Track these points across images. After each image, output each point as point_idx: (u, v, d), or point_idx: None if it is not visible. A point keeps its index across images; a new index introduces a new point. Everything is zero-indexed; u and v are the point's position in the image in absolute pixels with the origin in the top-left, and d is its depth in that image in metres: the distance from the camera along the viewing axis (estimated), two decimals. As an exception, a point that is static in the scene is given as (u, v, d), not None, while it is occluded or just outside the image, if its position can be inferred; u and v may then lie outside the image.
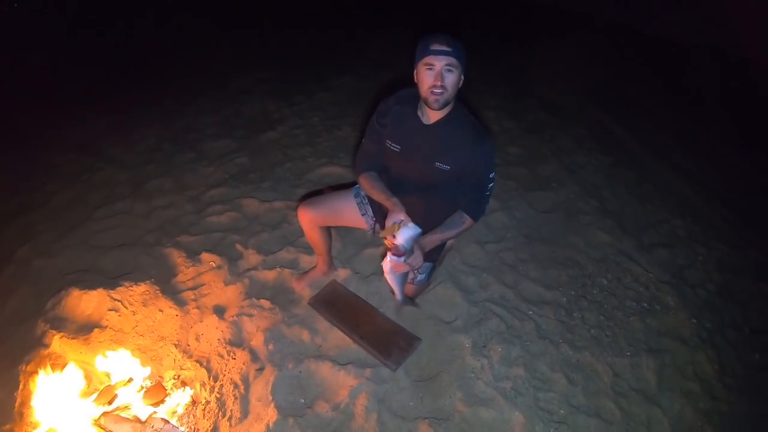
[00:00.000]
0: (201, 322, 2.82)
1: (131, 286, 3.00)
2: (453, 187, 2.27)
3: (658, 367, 2.67)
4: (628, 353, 2.74)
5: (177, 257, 3.26)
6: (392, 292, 2.41)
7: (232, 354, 2.63)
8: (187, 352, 2.70)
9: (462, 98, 2.22)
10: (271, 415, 2.28)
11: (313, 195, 2.67)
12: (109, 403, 2.40)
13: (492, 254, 3.30)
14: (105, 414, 2.29)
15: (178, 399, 2.50)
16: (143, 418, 2.29)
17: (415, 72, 2.09)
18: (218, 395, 2.45)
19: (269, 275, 3.09)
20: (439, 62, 1.97)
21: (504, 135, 4.85)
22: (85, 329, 2.78)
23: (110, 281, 3.04)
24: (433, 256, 2.56)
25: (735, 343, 2.97)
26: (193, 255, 3.27)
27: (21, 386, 2.44)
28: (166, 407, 2.45)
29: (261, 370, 2.52)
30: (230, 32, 7.92)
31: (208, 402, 2.45)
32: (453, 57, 1.96)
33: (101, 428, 2.25)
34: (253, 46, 7.32)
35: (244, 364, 2.56)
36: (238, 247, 3.31)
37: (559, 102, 5.70)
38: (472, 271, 3.15)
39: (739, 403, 2.64)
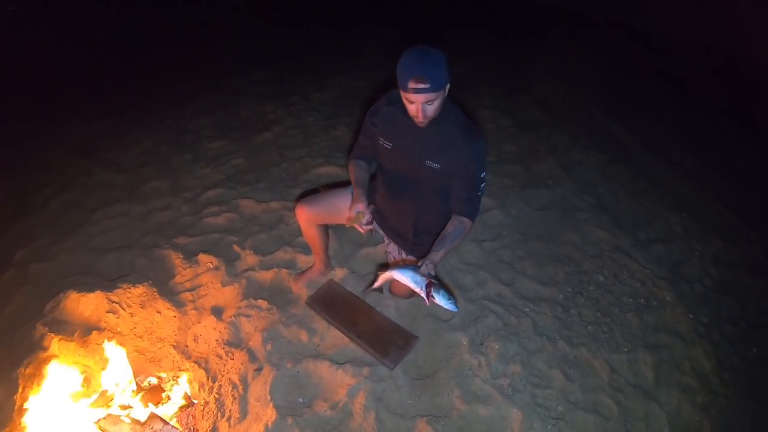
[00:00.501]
0: (199, 323, 2.83)
1: (129, 288, 3.01)
2: (444, 186, 2.27)
3: (655, 362, 2.68)
4: (625, 349, 2.74)
5: (174, 259, 3.26)
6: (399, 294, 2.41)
7: (230, 354, 2.64)
8: (185, 353, 2.71)
9: (457, 96, 2.22)
10: (269, 414, 2.28)
11: (309, 194, 2.67)
12: (108, 404, 2.40)
13: (488, 252, 3.30)
14: (104, 416, 2.29)
15: (177, 400, 2.51)
16: (142, 420, 2.30)
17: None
18: (217, 396, 2.46)
19: (266, 275, 3.09)
20: (418, 99, 1.93)
21: (500, 133, 4.86)
22: (83, 331, 2.78)
23: (108, 283, 3.04)
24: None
25: (732, 337, 2.98)
26: (190, 256, 3.27)
27: (20, 389, 2.45)
28: (165, 408, 2.46)
29: (259, 370, 2.52)
30: (225, 34, 7.91)
31: (206, 402, 2.46)
32: (431, 92, 1.91)
33: (101, 430, 2.26)
34: (248, 47, 7.31)
35: (242, 364, 2.57)
36: (236, 247, 3.31)
37: (554, 100, 5.71)
38: (469, 269, 3.15)
39: (737, 397, 2.65)
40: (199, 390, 2.54)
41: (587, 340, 2.77)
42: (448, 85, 1.98)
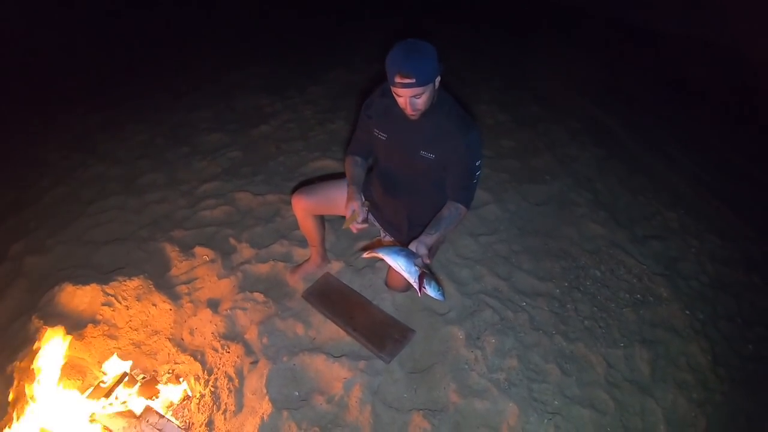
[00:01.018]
0: (195, 316, 2.82)
1: (125, 280, 2.99)
2: (439, 177, 2.27)
3: (651, 358, 2.69)
4: (622, 344, 2.75)
5: (170, 251, 3.25)
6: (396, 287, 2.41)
7: (226, 347, 2.63)
8: (181, 346, 2.70)
9: (454, 91, 2.21)
10: (265, 408, 2.28)
11: (306, 185, 2.66)
12: (104, 397, 2.39)
13: (485, 246, 3.30)
14: (99, 409, 2.29)
15: (173, 393, 2.50)
16: (138, 413, 2.29)
17: None
18: (213, 389, 2.45)
19: (263, 268, 3.09)
20: (405, 93, 1.94)
21: (497, 128, 4.84)
22: (78, 324, 2.77)
23: (104, 276, 3.03)
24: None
25: (728, 334, 2.99)
26: (186, 249, 3.26)
27: (15, 382, 2.43)
28: (161, 401, 2.46)
29: (255, 363, 2.52)
30: (222, 27, 7.87)
31: (202, 395, 2.45)
32: (417, 86, 1.91)
33: (96, 423, 2.25)
34: (245, 40, 7.28)
35: (238, 357, 2.56)
36: (232, 240, 3.30)
37: (552, 95, 5.70)
38: (466, 263, 3.15)
39: (733, 393, 2.67)
40: (194, 383, 2.53)
41: (584, 335, 2.77)
42: (439, 78, 1.98)
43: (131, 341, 2.75)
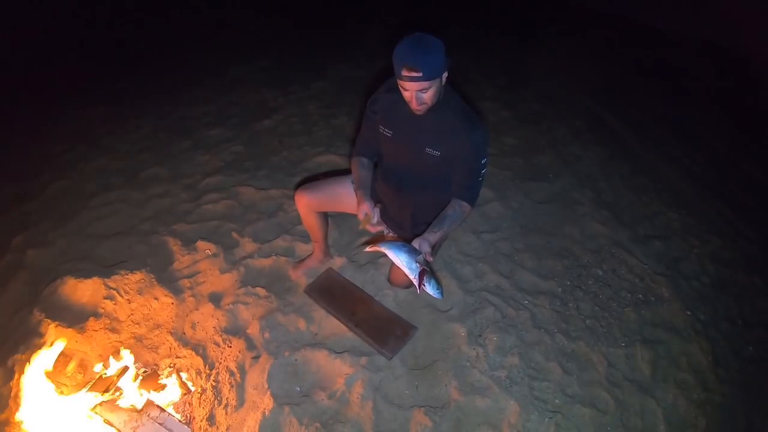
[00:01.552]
0: (197, 310, 2.82)
1: (127, 274, 2.99)
2: (444, 174, 2.27)
3: (652, 358, 2.69)
4: (623, 344, 2.75)
5: (173, 245, 3.25)
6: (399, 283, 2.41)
7: (227, 342, 2.63)
8: (182, 340, 2.70)
9: (459, 88, 2.21)
10: (267, 403, 2.28)
11: (309, 181, 2.66)
12: (105, 391, 2.40)
13: (488, 244, 3.30)
14: (101, 403, 2.29)
15: (174, 387, 2.50)
16: (139, 407, 2.29)
17: None
18: (214, 383, 2.46)
19: (265, 263, 3.09)
20: (411, 87, 1.92)
21: (500, 125, 4.84)
22: (80, 318, 2.77)
23: (106, 270, 3.03)
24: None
25: (729, 335, 2.99)
26: (188, 243, 3.26)
27: (16, 376, 2.44)
28: (162, 395, 2.45)
29: (257, 358, 2.52)
30: (225, 21, 7.85)
31: (204, 390, 2.46)
32: (424, 80, 1.89)
33: (97, 416, 2.26)
34: (249, 35, 7.26)
35: (239, 352, 2.57)
36: (234, 235, 3.30)
37: (555, 93, 5.69)
38: (468, 260, 3.15)
39: (733, 394, 2.67)
40: (196, 377, 2.54)
41: (585, 333, 2.77)
42: (446, 74, 1.97)
43: (133, 335, 2.74)
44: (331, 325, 2.71)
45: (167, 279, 3.03)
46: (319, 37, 7.17)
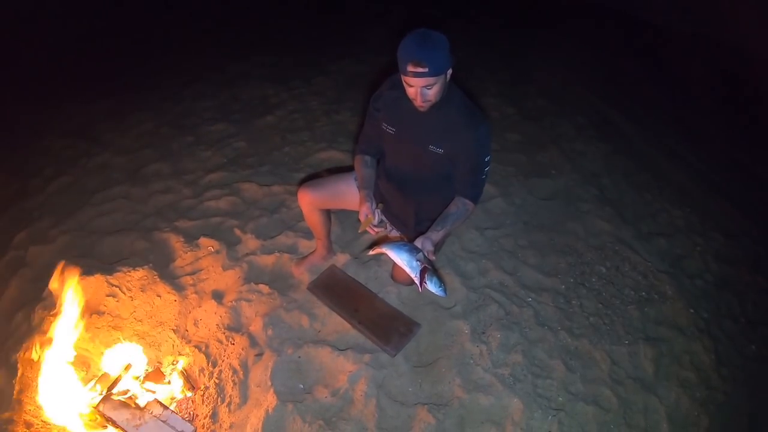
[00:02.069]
0: (199, 307, 2.82)
1: (129, 271, 2.99)
2: (447, 172, 2.26)
3: (655, 355, 2.69)
4: (626, 341, 2.75)
5: (175, 242, 3.24)
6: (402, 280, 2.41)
7: (230, 339, 2.63)
8: (185, 338, 2.71)
9: (461, 83, 2.19)
10: (270, 400, 2.28)
11: (312, 178, 2.65)
12: (108, 389, 2.39)
13: (491, 240, 3.30)
14: (103, 400, 2.29)
15: (177, 385, 2.50)
16: (142, 404, 2.29)
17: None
18: (217, 381, 2.46)
19: (268, 260, 3.08)
20: (417, 83, 1.91)
21: (504, 121, 4.83)
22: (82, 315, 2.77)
23: (108, 267, 3.02)
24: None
25: (732, 333, 2.99)
26: (191, 240, 3.25)
27: (19, 373, 2.44)
28: (165, 393, 2.45)
29: (260, 355, 2.52)
30: (228, 16, 7.83)
31: (207, 387, 2.46)
32: (430, 76, 1.88)
33: (100, 414, 2.25)
34: (251, 30, 7.23)
35: (242, 349, 2.57)
36: (237, 231, 3.30)
37: (559, 89, 5.67)
38: (472, 257, 3.15)
39: (735, 393, 2.67)
40: (199, 375, 2.54)
41: (588, 331, 2.77)
42: (450, 70, 1.96)
43: (135, 332, 2.74)
44: (334, 322, 2.71)
45: (170, 276, 3.03)
46: (322, 32, 7.14)
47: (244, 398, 2.36)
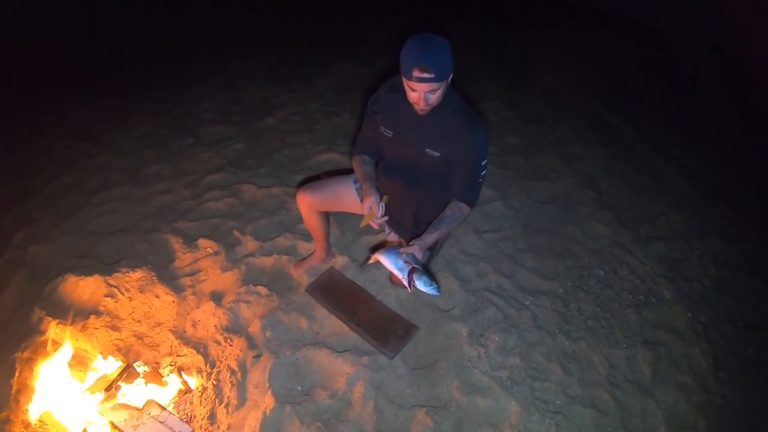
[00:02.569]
0: (198, 308, 2.82)
1: (128, 272, 3.00)
2: (445, 175, 2.26)
3: (653, 359, 2.69)
4: (624, 345, 2.75)
5: (174, 243, 3.25)
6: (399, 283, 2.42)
7: (229, 340, 2.63)
8: (183, 339, 2.71)
9: (461, 87, 2.20)
10: (268, 402, 2.28)
11: (311, 180, 2.65)
12: (106, 389, 2.40)
13: (490, 243, 3.30)
14: (102, 401, 2.29)
15: (175, 385, 2.50)
16: (140, 405, 2.30)
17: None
18: (215, 382, 2.46)
19: (267, 262, 3.09)
20: (421, 88, 1.90)
21: (503, 125, 4.84)
22: (81, 316, 2.78)
23: (107, 267, 3.03)
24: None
25: (729, 337, 2.98)
26: (190, 241, 3.26)
27: (17, 374, 2.44)
28: (163, 394, 2.46)
29: (258, 356, 2.53)
30: (229, 17, 7.84)
31: (204, 389, 2.46)
32: (435, 82, 1.88)
33: (98, 415, 2.26)
34: (251, 32, 7.25)
35: (241, 350, 2.57)
36: (236, 233, 3.30)
37: (558, 93, 5.68)
38: (470, 260, 3.15)
39: (733, 397, 2.66)
40: (197, 376, 2.54)
41: (586, 334, 2.77)
42: (451, 74, 1.96)
43: (134, 333, 2.75)
44: (332, 324, 2.71)
45: (168, 277, 3.03)
46: (322, 34, 7.16)
47: (242, 399, 2.37)
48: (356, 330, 2.63)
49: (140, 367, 2.61)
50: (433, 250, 2.71)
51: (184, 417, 2.39)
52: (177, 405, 2.45)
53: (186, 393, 2.50)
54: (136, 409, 2.27)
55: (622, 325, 2.87)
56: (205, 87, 5.47)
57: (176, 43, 6.78)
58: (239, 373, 2.47)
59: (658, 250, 3.48)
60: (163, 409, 2.29)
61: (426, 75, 1.85)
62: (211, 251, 3.17)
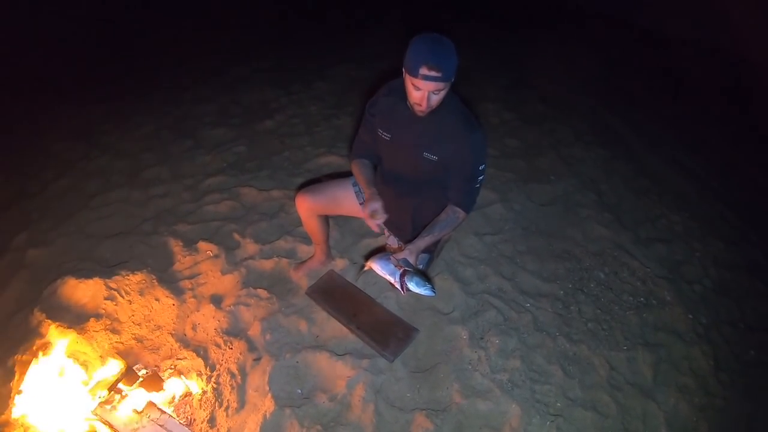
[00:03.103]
0: (198, 311, 2.82)
1: (128, 275, 2.99)
2: (443, 179, 2.25)
3: (654, 361, 2.68)
4: (625, 347, 2.74)
5: (174, 246, 3.24)
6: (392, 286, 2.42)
7: (229, 343, 2.63)
8: (183, 342, 2.70)
9: (460, 89, 2.20)
10: (267, 405, 2.28)
11: (311, 183, 2.65)
12: (106, 392, 2.39)
13: (490, 246, 3.29)
14: (101, 404, 2.28)
15: (175, 389, 2.49)
16: (139, 409, 2.28)
17: (403, 72, 2.01)
18: (215, 385, 2.45)
19: (266, 264, 3.08)
20: (427, 87, 1.90)
21: (503, 127, 4.83)
22: (81, 318, 2.77)
23: (106, 270, 3.03)
24: (429, 247, 2.55)
25: (730, 339, 2.98)
26: (190, 244, 3.26)
27: (16, 376, 2.43)
28: (163, 397, 2.45)
29: (258, 359, 2.52)
30: (229, 20, 7.85)
31: (204, 392, 2.45)
32: (441, 81, 1.88)
33: (97, 418, 2.25)
34: (252, 34, 7.25)
35: (241, 353, 2.56)
36: (236, 236, 3.30)
37: (558, 94, 5.68)
38: (470, 262, 3.14)
39: (734, 399, 2.65)
40: (197, 379, 2.53)
41: (587, 337, 2.77)
42: (454, 78, 1.96)
43: (133, 336, 2.74)
44: (332, 327, 2.70)
45: (168, 280, 3.03)
46: (322, 37, 7.16)
47: (242, 403, 2.36)
48: (356, 333, 2.62)
49: (140, 370, 2.60)
50: (432, 252, 2.71)
51: (183, 420, 2.38)
52: (177, 408, 2.44)
53: (186, 396, 2.49)
54: (136, 412, 2.26)
55: (622, 327, 2.87)
56: (204, 90, 5.47)
57: (176, 46, 6.79)
58: (239, 376, 2.46)
59: (658, 252, 3.47)
60: (163, 412, 2.27)
61: (433, 73, 1.85)
62: (211, 254, 3.17)
